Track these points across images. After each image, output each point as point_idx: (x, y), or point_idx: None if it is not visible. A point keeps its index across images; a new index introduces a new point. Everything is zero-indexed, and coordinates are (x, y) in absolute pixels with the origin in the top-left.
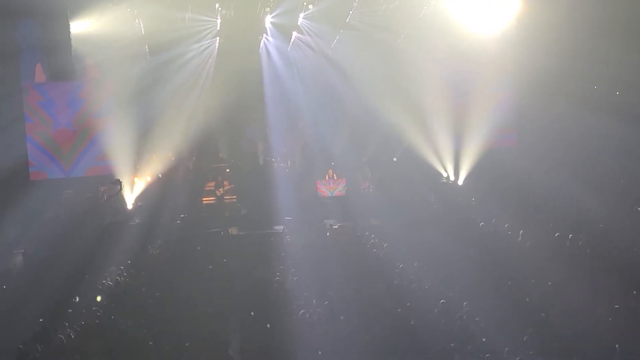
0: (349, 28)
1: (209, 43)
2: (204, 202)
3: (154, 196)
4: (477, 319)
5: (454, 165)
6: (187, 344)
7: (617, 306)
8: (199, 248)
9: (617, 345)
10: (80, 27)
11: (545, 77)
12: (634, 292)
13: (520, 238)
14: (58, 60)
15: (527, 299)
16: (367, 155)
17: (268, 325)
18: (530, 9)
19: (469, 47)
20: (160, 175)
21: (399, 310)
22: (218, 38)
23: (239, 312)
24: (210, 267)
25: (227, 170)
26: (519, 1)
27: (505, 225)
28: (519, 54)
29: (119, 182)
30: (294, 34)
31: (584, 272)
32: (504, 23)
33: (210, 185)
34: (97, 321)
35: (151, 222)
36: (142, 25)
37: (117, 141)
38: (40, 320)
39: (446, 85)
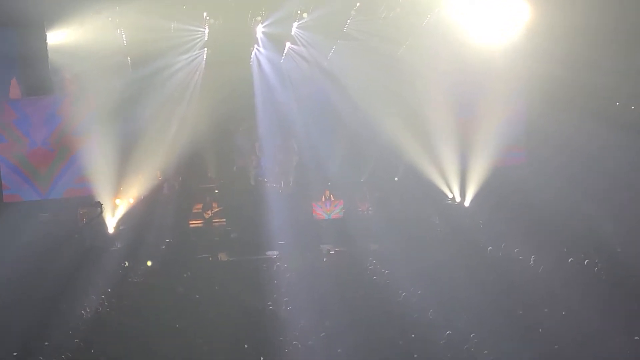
0: (347, 38)
1: (196, 54)
2: (191, 225)
3: (137, 219)
4: (486, 351)
5: (460, 184)
6: None
7: (636, 338)
8: (185, 275)
9: None
10: (58, 37)
11: (557, 90)
12: None
13: (531, 263)
14: (34, 74)
15: (540, 329)
16: (366, 174)
17: (261, 359)
18: (541, 17)
19: (475, 57)
20: (144, 197)
21: (400, 342)
22: (206, 49)
23: (229, 344)
24: (198, 296)
25: (216, 191)
26: (528, 9)
27: (516, 250)
28: (528, 65)
29: (100, 205)
30: (288, 44)
31: (600, 300)
32: (512, 32)
33: (198, 207)
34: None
35: (134, 247)
36: (124, 35)
37: (97, 161)
38: (15, 354)
39: (451, 99)
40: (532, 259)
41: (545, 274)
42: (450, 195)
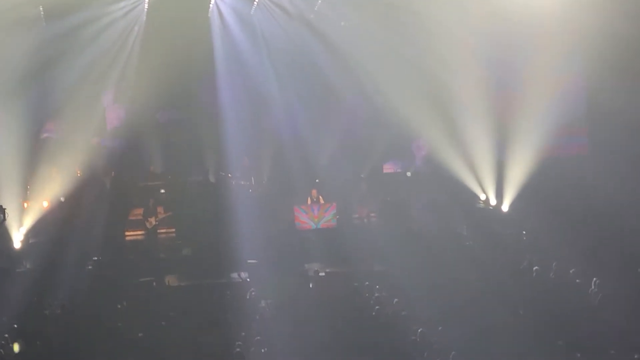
0: None
1: (133, 3)
2: (128, 237)
3: (53, 230)
4: None
5: (496, 182)
6: None
7: None
8: (120, 306)
9: None
10: None
11: (629, 53)
12: None
13: (593, 288)
14: None
15: None
16: (368, 168)
17: None
18: None
19: (518, 8)
20: (62, 199)
21: None
22: None
23: None
24: (141, 334)
25: (162, 190)
26: None
27: (571, 271)
28: (592, 18)
29: (2, 210)
30: None
31: None
32: None
33: (138, 212)
34: None
35: (49, 267)
36: None
37: None
38: None
39: (486, 67)
40: (594, 283)
41: (611, 302)
42: (482, 197)
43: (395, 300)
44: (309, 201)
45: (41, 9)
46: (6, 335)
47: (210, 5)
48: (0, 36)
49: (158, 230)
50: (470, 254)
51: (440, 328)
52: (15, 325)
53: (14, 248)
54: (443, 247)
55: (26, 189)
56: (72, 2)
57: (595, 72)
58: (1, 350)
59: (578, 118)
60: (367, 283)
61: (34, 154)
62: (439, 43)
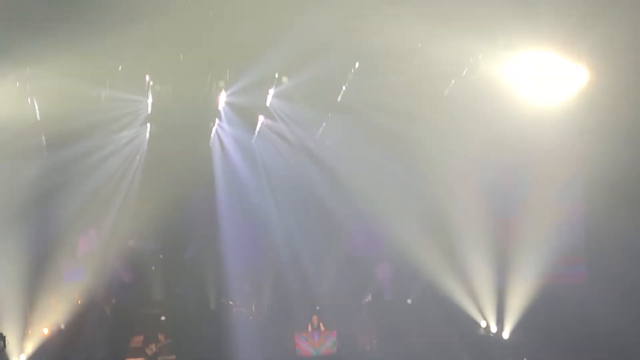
0: (342, 111)
1: (135, 133)
2: None
3: (54, 357)
4: None
5: (497, 310)
6: None
7: None
8: None
9: None
10: None
11: (628, 180)
12: None
13: None
14: None
15: None
16: (369, 295)
17: None
18: (602, 80)
19: (515, 138)
20: (62, 327)
21: None
22: (149, 125)
23: None
24: None
25: (162, 317)
26: (585, 73)
27: None
28: (589, 147)
29: (3, 338)
30: (261, 118)
31: None
32: (563, 103)
33: (138, 340)
34: None
35: None
36: (37, 106)
37: None
38: None
39: (485, 194)
40: None
41: None
42: (483, 324)
43: None
44: (310, 328)
45: (44, 138)
46: None
47: (212, 135)
48: (3, 165)
49: (158, 358)
50: None
51: None
52: None
53: None
54: None
55: (26, 318)
56: (75, 132)
57: (594, 199)
58: None
59: (577, 246)
60: None
61: (36, 282)
62: (440, 170)
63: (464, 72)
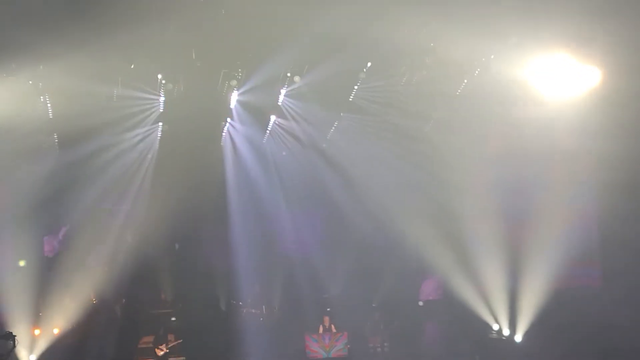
0: (353, 110)
1: (147, 131)
2: None
3: (63, 357)
4: None
5: (509, 313)
6: None
7: None
8: None
9: None
10: None
11: None
12: None
13: None
14: None
15: None
16: (380, 297)
17: None
18: (616, 80)
19: (529, 136)
20: (73, 326)
21: None
22: (161, 124)
23: None
24: None
25: (173, 318)
26: (598, 74)
27: None
28: (603, 148)
29: (12, 337)
30: (273, 118)
31: None
32: (580, 101)
33: (148, 340)
34: None
35: None
36: (49, 105)
37: (10, 275)
38: None
39: (498, 195)
40: None
41: None
42: (495, 327)
43: None
44: (321, 329)
45: (56, 136)
46: None
47: (223, 134)
48: (14, 163)
49: (169, 358)
50: None
51: None
52: None
53: None
54: None
55: (37, 316)
56: (87, 130)
57: (608, 200)
58: None
59: (591, 249)
60: None
61: (46, 282)
62: (453, 172)
63: (477, 72)
